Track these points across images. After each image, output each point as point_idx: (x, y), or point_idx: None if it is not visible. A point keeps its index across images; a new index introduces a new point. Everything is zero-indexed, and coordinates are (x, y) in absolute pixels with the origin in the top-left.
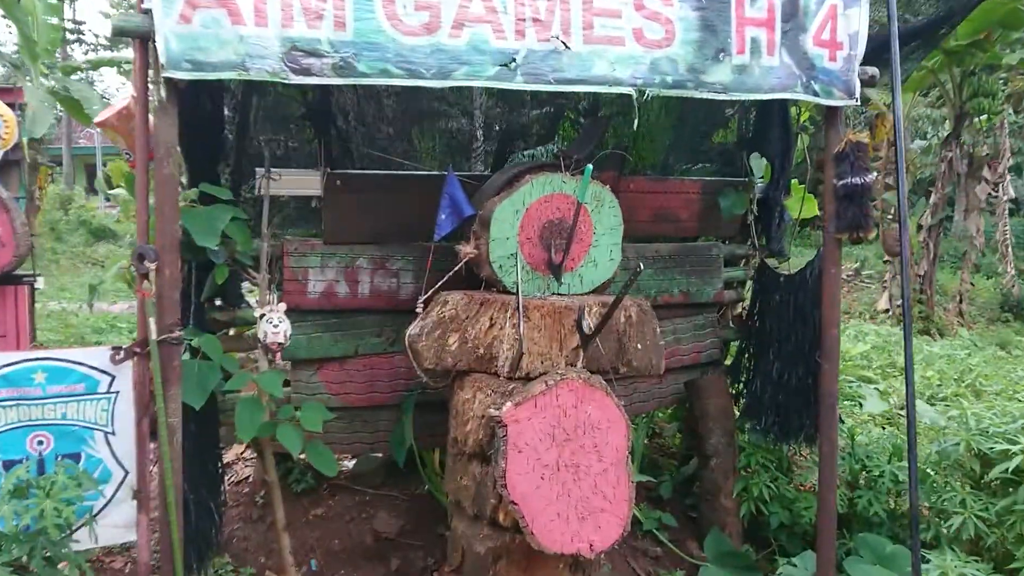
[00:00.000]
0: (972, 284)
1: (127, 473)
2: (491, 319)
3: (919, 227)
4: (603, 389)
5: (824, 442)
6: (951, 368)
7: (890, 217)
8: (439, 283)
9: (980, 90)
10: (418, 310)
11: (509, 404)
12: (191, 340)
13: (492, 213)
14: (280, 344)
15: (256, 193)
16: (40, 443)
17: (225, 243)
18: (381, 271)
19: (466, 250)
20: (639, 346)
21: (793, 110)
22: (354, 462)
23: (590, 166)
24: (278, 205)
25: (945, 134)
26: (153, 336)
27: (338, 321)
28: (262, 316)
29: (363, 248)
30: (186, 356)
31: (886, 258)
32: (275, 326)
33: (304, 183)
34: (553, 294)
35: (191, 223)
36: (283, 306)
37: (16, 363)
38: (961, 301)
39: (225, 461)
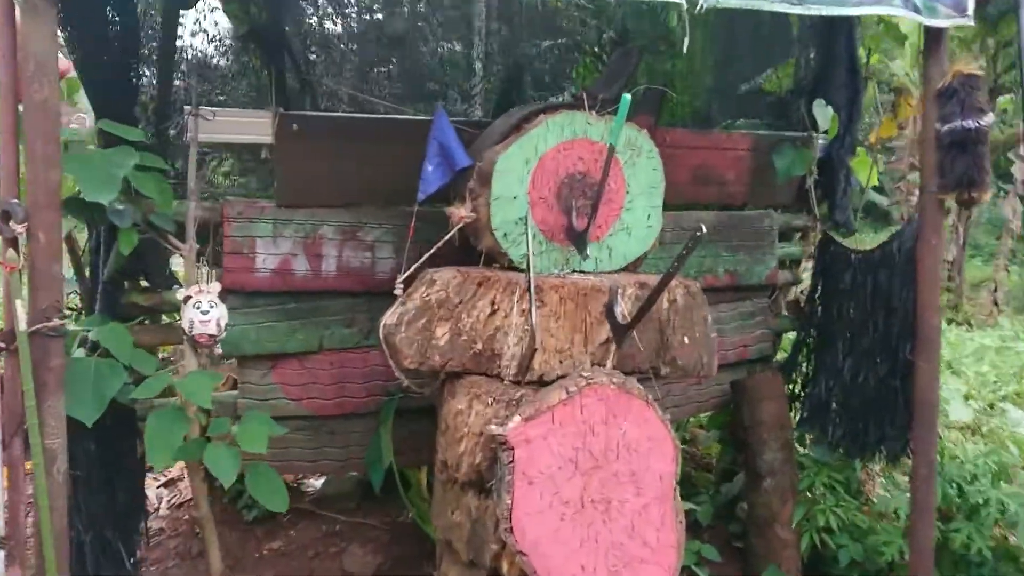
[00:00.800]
0: (1007, 271)
1: None
2: (493, 304)
3: (947, 211)
4: (642, 397)
5: (920, 462)
6: (1004, 362)
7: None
8: (424, 257)
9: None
10: (397, 292)
11: (517, 419)
12: (88, 330)
13: (495, 164)
14: (211, 336)
15: (185, 139)
16: None
17: (136, 202)
18: (352, 243)
19: (460, 214)
20: (685, 339)
21: (861, 51)
22: (322, 481)
23: (627, 96)
24: (218, 157)
25: None
26: (21, 326)
27: (297, 307)
28: (187, 300)
29: (328, 213)
30: (81, 352)
31: None
32: (204, 313)
33: (250, 127)
34: (574, 271)
35: (79, 170)
36: (216, 287)
37: None
38: (996, 289)
39: (167, 478)
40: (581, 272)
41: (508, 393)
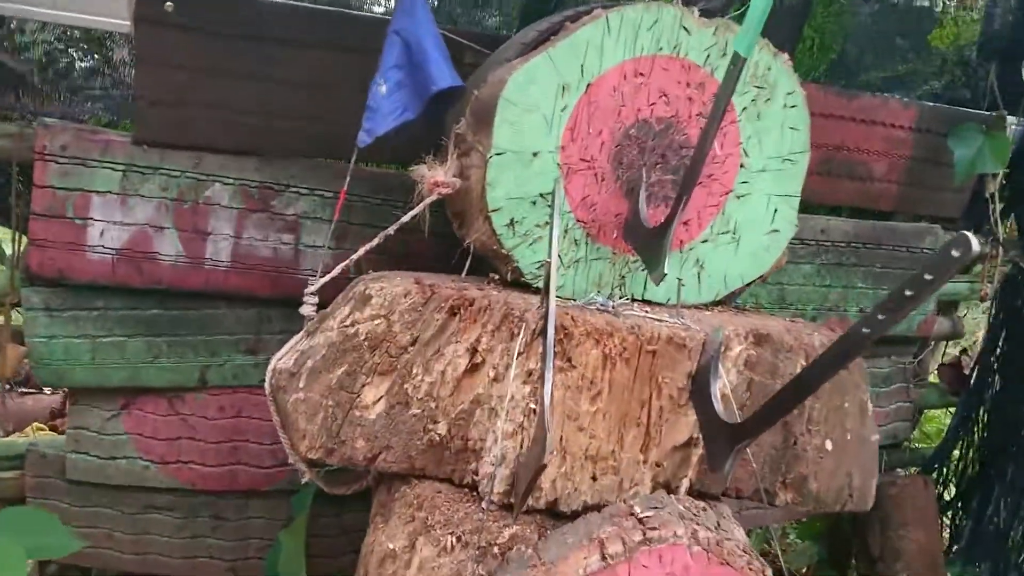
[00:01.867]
0: None
1: None
2: (473, 352)
3: None
4: (755, 569)
5: None
6: None
7: None
8: (358, 253)
9: None
10: (304, 310)
11: None
12: None
13: (502, 91)
14: None
15: None
16: None
17: None
18: (261, 216)
19: (435, 179)
20: (827, 445)
21: None
22: None
23: None
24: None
25: None
26: None
27: (162, 314)
28: None
29: (223, 163)
30: None
31: None
32: None
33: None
34: (634, 301)
35: None
36: None
37: None
38: None
39: None
40: (645, 304)
41: (486, 529)
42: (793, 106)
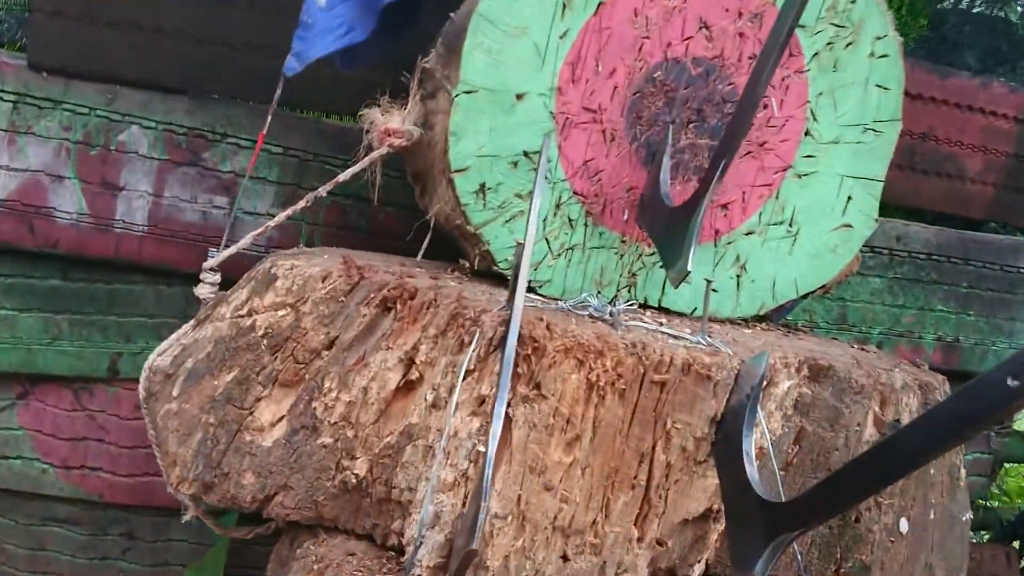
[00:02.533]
0: None
1: None
2: (408, 362)
3: None
4: None
5: None
6: None
7: None
8: (275, 221)
9: None
10: (201, 291)
11: None
12: None
13: (478, 6)
14: None
15: None
16: None
17: None
18: (189, 170)
19: (389, 126)
20: (902, 524)
21: None
22: None
23: None
24: None
25: None
26: None
27: (63, 286)
28: None
29: (140, 99)
30: None
31: None
32: None
33: None
34: (645, 306)
35: None
36: None
37: None
38: None
39: None
40: (661, 313)
41: None
42: (884, 55)
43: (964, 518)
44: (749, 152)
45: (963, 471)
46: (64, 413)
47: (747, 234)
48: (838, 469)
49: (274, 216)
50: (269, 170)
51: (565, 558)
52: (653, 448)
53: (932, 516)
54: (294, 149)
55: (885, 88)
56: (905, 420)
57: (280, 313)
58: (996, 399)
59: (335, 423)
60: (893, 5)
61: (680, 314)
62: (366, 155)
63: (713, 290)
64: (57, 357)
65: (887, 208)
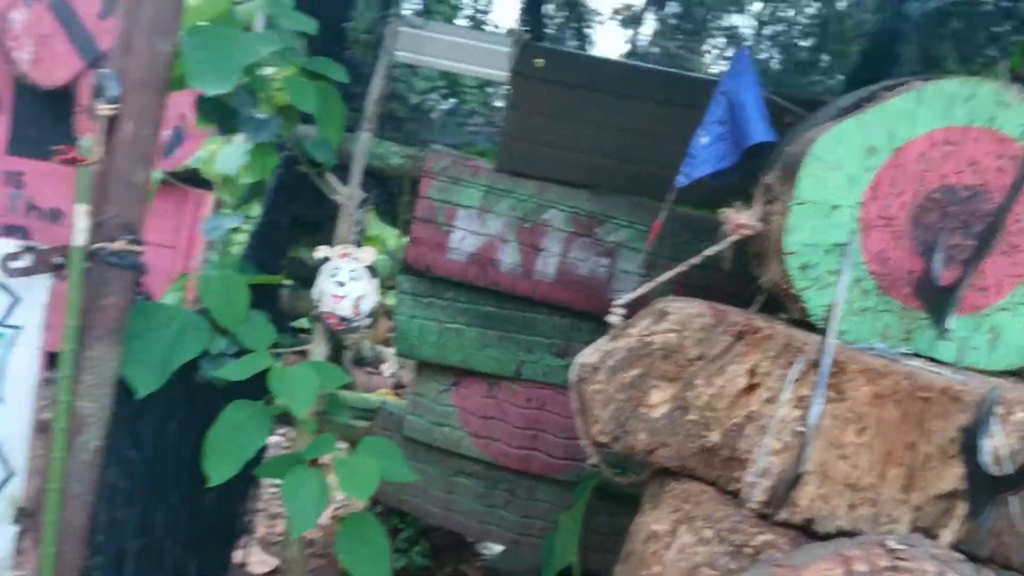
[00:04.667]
0: None
1: (10, 475)
2: (751, 374)
3: None
4: None
5: None
6: None
7: None
8: (664, 277)
9: None
10: (611, 319)
11: None
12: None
13: (811, 147)
14: (343, 320)
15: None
16: None
17: (290, 116)
18: (585, 240)
19: (740, 220)
20: None
21: None
22: (501, 551)
23: None
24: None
25: None
26: (77, 239)
27: (495, 312)
28: (323, 263)
29: (561, 193)
30: (175, 299)
31: None
32: (339, 285)
33: (474, 53)
34: (916, 355)
35: (190, 44)
36: (368, 255)
37: None
38: None
39: None
40: (929, 360)
41: (742, 531)
42: None
43: None
44: (1003, 251)
45: None
46: (480, 398)
47: (1001, 309)
48: None
49: (641, 275)
50: (638, 242)
51: (852, 506)
52: (917, 441)
53: None
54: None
55: None
56: None
57: (670, 335)
58: None
59: (700, 407)
60: None
61: (943, 363)
62: (723, 240)
63: (972, 348)
64: (483, 359)
65: None
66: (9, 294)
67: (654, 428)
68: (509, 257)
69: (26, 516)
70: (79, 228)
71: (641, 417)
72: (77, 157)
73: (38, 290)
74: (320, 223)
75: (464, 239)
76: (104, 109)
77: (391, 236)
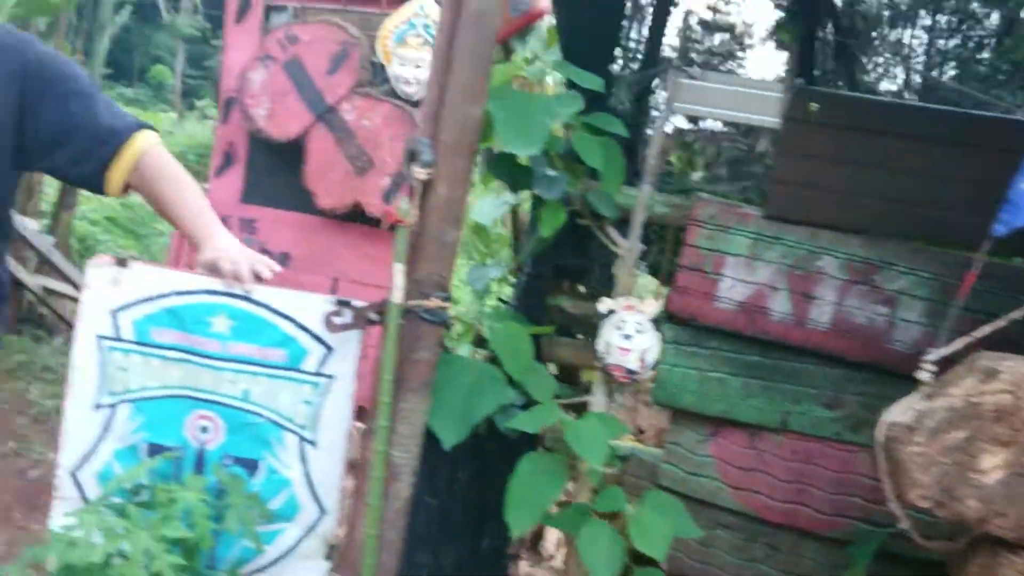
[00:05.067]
0: None
1: (323, 514)
2: None
3: None
4: None
5: None
6: None
7: None
8: (981, 331)
9: None
10: (922, 377)
11: None
12: (484, 323)
13: None
14: (629, 373)
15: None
16: (204, 430)
17: (575, 172)
18: (862, 288)
19: None
20: None
21: None
22: None
23: None
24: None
25: None
26: (396, 296)
27: (761, 361)
28: (608, 315)
29: (834, 239)
30: (466, 350)
31: None
32: (626, 338)
33: (745, 100)
34: None
35: (499, 107)
36: (652, 307)
37: (192, 293)
38: None
39: None
40: None
41: None
42: None
43: None
44: None
45: None
46: (741, 449)
47: None
48: None
49: (921, 323)
50: (919, 289)
51: None
52: None
53: None
54: (942, 276)
55: None
56: None
57: (1003, 396)
58: None
59: None
60: None
61: None
62: None
63: None
64: (746, 409)
65: None
66: (323, 345)
67: (988, 495)
68: (780, 305)
69: (336, 553)
70: (397, 286)
71: (971, 483)
72: (400, 220)
73: (350, 342)
74: (581, 272)
75: (733, 288)
76: (420, 173)
77: (648, 285)
